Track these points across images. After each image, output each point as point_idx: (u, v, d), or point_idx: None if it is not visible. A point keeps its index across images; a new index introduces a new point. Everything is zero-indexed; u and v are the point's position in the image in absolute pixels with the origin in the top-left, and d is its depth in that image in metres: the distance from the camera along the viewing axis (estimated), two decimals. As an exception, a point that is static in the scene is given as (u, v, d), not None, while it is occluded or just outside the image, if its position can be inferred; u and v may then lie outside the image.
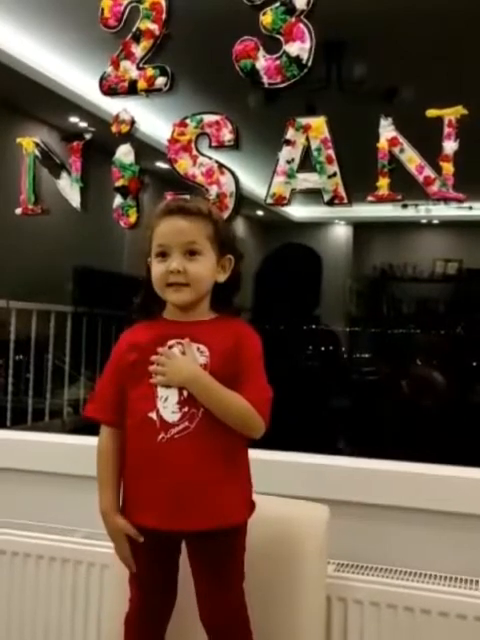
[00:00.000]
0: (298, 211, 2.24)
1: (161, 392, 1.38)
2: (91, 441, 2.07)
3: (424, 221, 2.38)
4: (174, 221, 1.39)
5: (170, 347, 1.39)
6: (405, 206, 2.04)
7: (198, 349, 1.38)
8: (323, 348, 2.70)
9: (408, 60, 1.95)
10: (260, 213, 2.41)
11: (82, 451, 2.04)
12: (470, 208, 2.13)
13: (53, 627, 1.88)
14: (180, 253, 1.38)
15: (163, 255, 1.39)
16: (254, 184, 2.11)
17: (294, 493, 1.68)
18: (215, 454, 1.37)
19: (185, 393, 1.36)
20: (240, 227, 2.22)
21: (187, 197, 1.51)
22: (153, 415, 1.37)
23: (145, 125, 2.10)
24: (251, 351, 1.41)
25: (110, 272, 2.64)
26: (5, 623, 1.92)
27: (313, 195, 1.94)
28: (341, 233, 3.17)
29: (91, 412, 1.48)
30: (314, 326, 2.50)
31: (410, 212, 2.20)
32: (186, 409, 1.36)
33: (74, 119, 2.50)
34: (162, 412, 1.37)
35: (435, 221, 2.88)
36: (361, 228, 2.96)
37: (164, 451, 1.36)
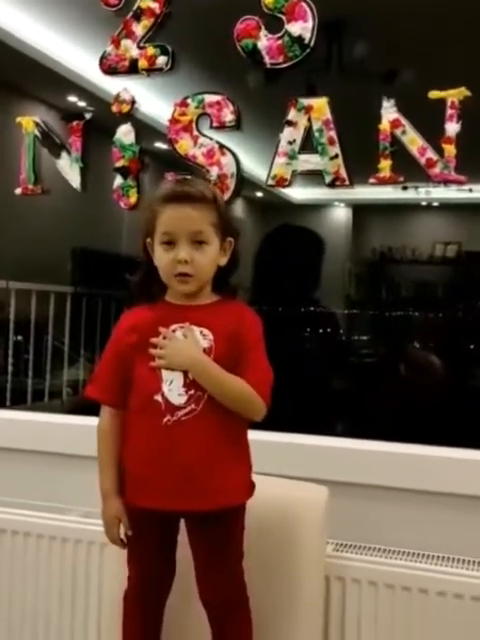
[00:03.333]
0: (297, 193, 2.24)
1: (166, 375, 1.38)
2: (90, 421, 2.08)
3: (424, 203, 2.37)
4: (181, 209, 1.37)
5: (173, 331, 1.39)
6: (405, 188, 2.04)
7: (202, 333, 1.39)
8: (321, 330, 2.70)
9: (410, 40, 1.93)
10: (259, 194, 2.40)
11: (81, 431, 2.05)
12: (470, 190, 2.13)
13: (53, 605, 1.89)
14: (187, 242, 1.37)
15: (169, 243, 1.38)
16: (253, 165, 2.10)
17: (293, 474, 1.69)
18: (220, 435, 1.38)
19: (190, 375, 1.37)
20: (239, 208, 2.21)
21: (188, 177, 1.49)
22: (158, 397, 1.37)
23: (145, 105, 2.08)
24: (253, 334, 1.41)
25: (109, 253, 2.63)
26: (5, 602, 1.93)
27: (313, 177, 1.94)
28: (340, 215, 3.15)
29: (92, 392, 1.49)
30: (312, 308, 2.50)
31: (410, 194, 2.20)
32: (192, 392, 1.36)
33: (73, 98, 2.48)
34: (168, 395, 1.37)
35: (435, 204, 2.87)
36: (360, 210, 2.95)
37: (170, 433, 1.36)
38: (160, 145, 2.13)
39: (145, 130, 2.09)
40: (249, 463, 1.46)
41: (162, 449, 1.36)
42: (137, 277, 1.47)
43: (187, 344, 1.37)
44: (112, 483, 1.44)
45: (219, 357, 1.37)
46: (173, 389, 1.37)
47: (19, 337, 2.59)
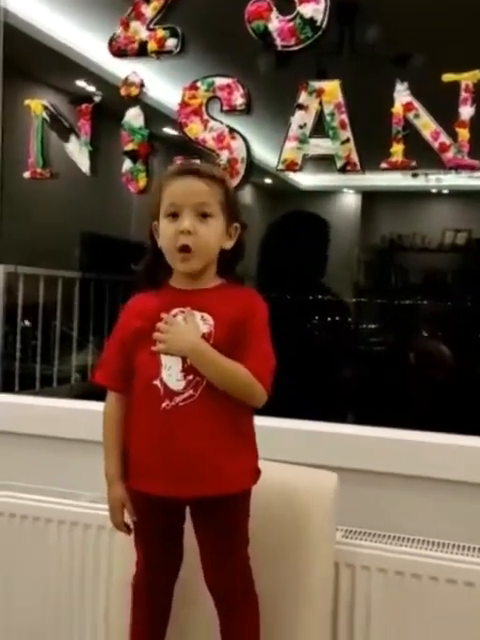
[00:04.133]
0: (306, 179, 2.22)
1: (165, 360, 1.37)
2: (98, 406, 2.08)
3: (434, 191, 2.35)
4: (188, 181, 1.37)
5: (174, 315, 1.38)
6: (415, 175, 2.02)
7: (202, 318, 1.38)
8: (329, 318, 2.69)
9: (424, 23, 1.90)
10: (267, 180, 2.39)
11: (89, 416, 2.04)
12: (481, 176, 2.10)
13: (63, 590, 1.89)
14: (192, 213, 1.36)
15: (174, 216, 1.37)
16: (262, 150, 2.08)
17: (303, 460, 1.68)
18: (220, 422, 1.37)
19: (188, 361, 1.36)
20: (247, 194, 2.20)
21: (198, 161, 1.48)
22: (157, 383, 1.37)
23: (154, 90, 2.07)
24: (257, 320, 1.40)
25: (117, 238, 2.62)
26: (15, 586, 1.94)
27: (321, 162, 1.92)
28: (349, 202, 3.12)
29: (98, 378, 1.49)
30: (320, 296, 2.49)
31: (420, 181, 2.17)
32: (191, 377, 1.35)
33: (81, 82, 2.46)
34: (166, 380, 1.36)
35: (445, 191, 2.83)
36: (370, 197, 2.92)
37: (169, 418, 1.36)
38: (168, 130, 2.11)
39: (154, 115, 2.08)
40: (254, 450, 1.45)
41: (162, 434, 1.36)
42: (142, 263, 1.46)
43: (187, 329, 1.36)
44: (116, 468, 1.44)
45: (218, 342, 1.35)
46: (171, 374, 1.36)
47: (27, 322, 2.59)
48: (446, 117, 1.80)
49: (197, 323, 1.37)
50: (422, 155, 1.84)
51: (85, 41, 2.34)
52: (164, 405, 1.35)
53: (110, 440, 1.46)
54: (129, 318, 1.45)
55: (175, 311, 1.38)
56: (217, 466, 1.36)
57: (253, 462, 1.45)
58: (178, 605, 1.55)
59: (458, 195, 2.50)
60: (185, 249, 1.36)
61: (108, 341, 1.50)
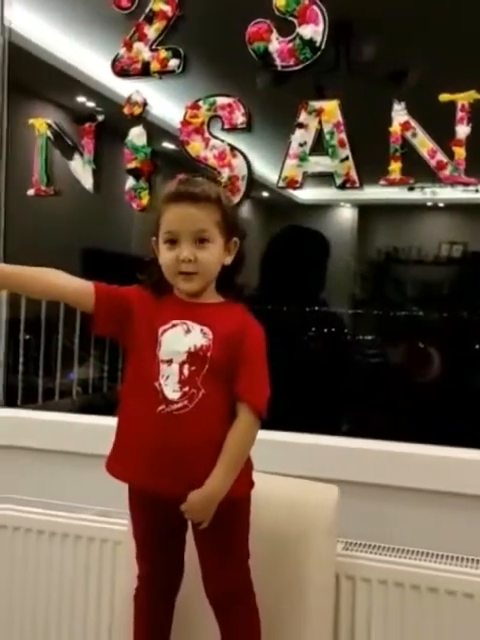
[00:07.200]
0: (304, 193, 2.25)
1: (163, 369, 1.39)
2: (99, 420, 2.11)
3: (430, 204, 2.38)
4: (183, 208, 1.38)
5: (173, 325, 1.40)
6: (411, 189, 2.05)
7: (202, 331, 1.39)
8: (326, 330, 2.71)
9: (420, 41, 1.94)
10: (265, 194, 2.42)
11: (92, 430, 2.07)
12: (477, 191, 2.14)
13: (66, 603, 1.91)
14: (190, 241, 1.38)
15: (172, 242, 1.39)
16: (261, 165, 2.12)
17: (303, 474, 1.70)
18: (213, 432, 1.38)
19: (185, 372, 1.37)
20: (245, 208, 2.23)
21: (194, 177, 1.48)
22: (157, 385, 1.38)
23: (156, 107, 2.10)
24: (254, 343, 1.41)
25: (118, 253, 2.64)
26: (19, 599, 1.95)
27: (319, 177, 1.95)
28: (346, 215, 3.15)
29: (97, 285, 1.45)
30: (317, 308, 2.51)
31: (416, 195, 2.21)
32: (186, 389, 1.37)
33: (83, 99, 2.49)
34: (163, 387, 1.38)
35: (441, 204, 2.86)
36: (366, 211, 2.94)
37: (164, 422, 1.37)
38: (167, 145, 2.15)
39: (156, 131, 2.11)
40: (248, 461, 1.45)
41: (155, 435, 1.37)
42: (146, 274, 1.48)
43: (201, 498, 1.36)
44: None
45: (215, 356, 1.37)
46: (168, 384, 1.38)
47: (28, 336, 2.61)
48: (443, 133, 1.84)
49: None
50: (420, 168, 1.87)
51: (88, 59, 2.37)
52: (160, 409, 1.37)
53: (31, 270, 1.43)
54: (134, 294, 1.45)
55: (175, 322, 1.40)
56: (205, 473, 1.36)
57: (246, 471, 1.44)
58: (180, 617, 1.56)
59: (454, 208, 2.53)
60: (187, 273, 1.40)
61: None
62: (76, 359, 2.61)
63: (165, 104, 2.13)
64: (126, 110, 2.06)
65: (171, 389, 1.37)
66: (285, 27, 1.92)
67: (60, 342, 2.60)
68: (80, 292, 1.42)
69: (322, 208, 2.48)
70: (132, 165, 2.05)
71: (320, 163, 1.91)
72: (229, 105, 1.96)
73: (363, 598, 1.67)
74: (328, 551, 1.63)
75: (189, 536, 1.49)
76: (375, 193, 2.04)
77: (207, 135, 1.99)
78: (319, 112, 1.89)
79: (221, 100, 1.97)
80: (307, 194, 2.15)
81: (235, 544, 1.46)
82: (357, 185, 1.89)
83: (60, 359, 2.60)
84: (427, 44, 1.91)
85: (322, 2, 1.89)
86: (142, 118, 2.07)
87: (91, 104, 2.32)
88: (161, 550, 1.50)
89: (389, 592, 1.65)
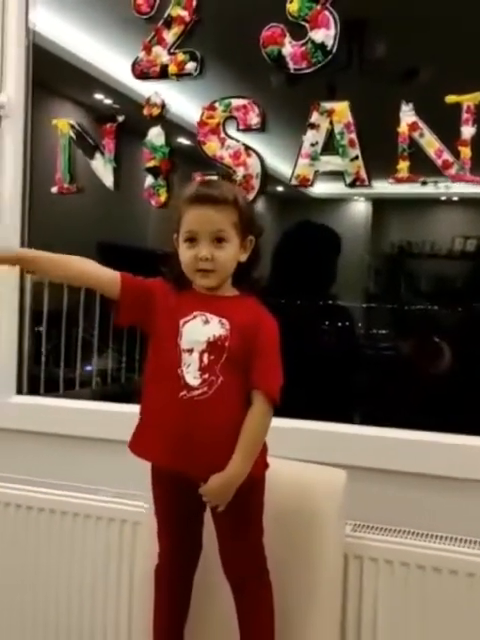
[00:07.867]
0: (317, 188, 2.30)
1: (185, 357, 1.47)
2: (119, 408, 2.19)
3: (443, 198, 2.42)
4: (203, 210, 1.48)
5: (193, 317, 1.49)
6: (424, 183, 2.10)
7: (220, 322, 1.48)
8: (339, 324, 2.76)
9: (429, 41, 2.00)
10: (280, 189, 2.48)
11: (110, 416, 2.15)
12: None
13: (87, 582, 1.98)
14: (208, 241, 1.48)
15: (192, 240, 1.49)
16: (275, 161, 2.18)
17: (314, 459, 1.76)
18: (232, 417, 1.46)
19: (205, 360, 1.46)
20: (260, 203, 2.30)
21: (213, 179, 1.57)
22: (179, 372, 1.47)
23: (174, 106, 2.17)
24: (268, 334, 1.50)
25: (135, 247, 2.71)
26: (41, 579, 2.02)
27: (332, 174, 2.02)
28: (360, 210, 3.19)
29: (122, 275, 1.55)
30: (330, 302, 2.56)
31: (429, 189, 2.26)
32: (206, 376, 1.46)
33: (102, 98, 2.57)
34: (185, 374, 1.47)
35: (454, 198, 2.90)
36: (380, 205, 2.98)
37: (185, 407, 1.46)
38: (183, 140, 2.22)
39: (173, 129, 2.17)
40: (263, 444, 1.53)
41: (177, 419, 1.46)
42: (168, 269, 1.57)
43: (220, 481, 1.44)
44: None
45: (232, 346, 1.46)
46: (190, 372, 1.46)
47: (45, 328, 2.67)
48: (449, 134, 1.89)
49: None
50: (427, 167, 1.93)
51: (110, 60, 2.44)
52: (182, 394, 1.46)
53: (63, 256, 1.53)
54: (160, 286, 1.55)
55: (196, 313, 1.49)
56: (229, 453, 1.45)
57: (262, 453, 1.52)
58: (198, 593, 1.64)
59: (467, 202, 2.55)
60: (204, 270, 1.50)
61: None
62: (95, 351, 2.69)
63: (183, 102, 2.20)
64: (145, 111, 2.13)
65: (192, 376, 1.46)
66: (298, 31, 1.98)
67: (80, 334, 2.68)
68: (107, 280, 1.53)
69: (336, 202, 2.51)
70: (151, 164, 2.12)
71: (331, 162, 1.98)
72: (244, 106, 2.03)
73: (370, 577, 1.74)
74: (337, 532, 1.69)
75: (207, 516, 1.57)
76: (389, 188, 2.09)
77: (223, 135, 2.06)
78: (330, 113, 1.96)
79: (236, 102, 2.04)
80: (321, 189, 2.19)
81: (251, 522, 1.55)
82: (366, 183, 1.96)
83: (80, 351, 2.68)
84: (434, 46, 1.97)
85: (333, 4, 1.95)
86: (161, 118, 2.14)
87: (108, 101, 2.39)
88: (181, 528, 1.59)
89: (395, 571, 1.72)
